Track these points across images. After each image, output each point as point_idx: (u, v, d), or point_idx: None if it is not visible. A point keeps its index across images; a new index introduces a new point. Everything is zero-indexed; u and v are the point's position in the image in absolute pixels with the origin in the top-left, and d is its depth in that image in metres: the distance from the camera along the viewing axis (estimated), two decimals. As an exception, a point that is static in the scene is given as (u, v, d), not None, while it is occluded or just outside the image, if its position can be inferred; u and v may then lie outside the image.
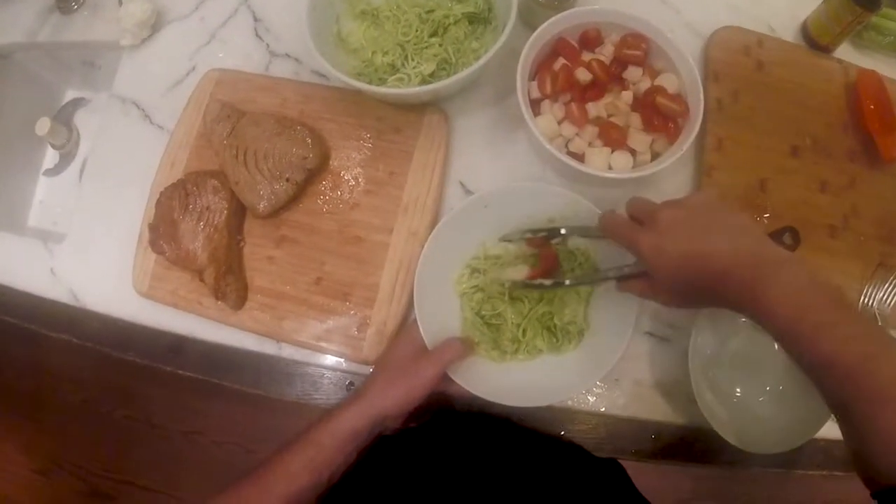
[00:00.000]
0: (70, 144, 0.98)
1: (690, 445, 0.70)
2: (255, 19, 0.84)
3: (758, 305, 0.47)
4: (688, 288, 0.52)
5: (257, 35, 0.83)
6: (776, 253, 0.49)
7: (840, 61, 0.82)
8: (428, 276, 0.65)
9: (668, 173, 0.74)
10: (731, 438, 0.63)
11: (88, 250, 0.80)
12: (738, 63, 0.80)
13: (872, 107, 0.77)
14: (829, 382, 0.44)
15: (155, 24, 0.85)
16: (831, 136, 0.78)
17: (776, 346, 0.67)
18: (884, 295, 0.72)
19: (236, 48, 0.83)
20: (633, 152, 0.70)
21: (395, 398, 0.60)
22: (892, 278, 0.73)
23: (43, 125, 0.93)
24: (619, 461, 0.81)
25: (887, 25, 0.82)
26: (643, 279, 0.57)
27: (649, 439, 0.71)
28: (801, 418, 0.65)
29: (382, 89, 0.67)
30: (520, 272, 0.67)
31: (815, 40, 0.81)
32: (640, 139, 0.69)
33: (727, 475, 1.55)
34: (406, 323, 0.70)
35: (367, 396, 0.60)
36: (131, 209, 0.78)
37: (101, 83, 0.95)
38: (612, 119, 0.70)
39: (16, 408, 1.72)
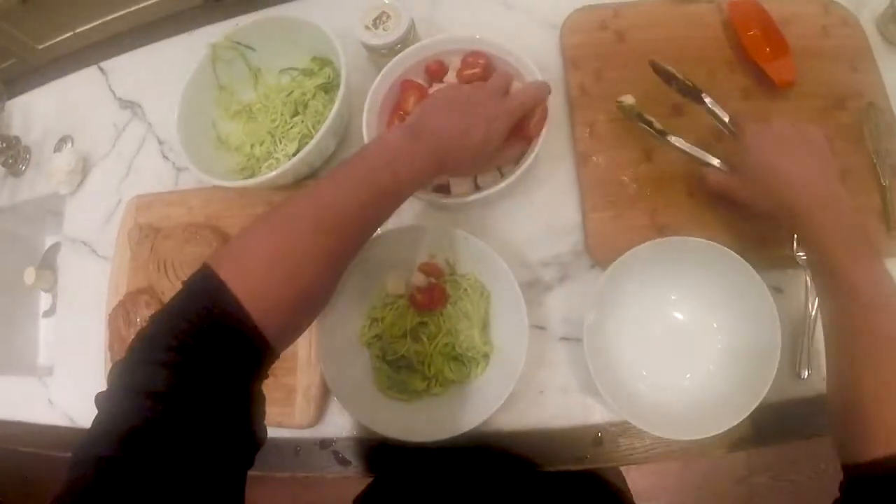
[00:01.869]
0: (58, 286, 1.11)
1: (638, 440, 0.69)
2: (160, 142, 0.93)
3: (813, 229, 0.56)
4: (766, 189, 0.61)
5: (164, 156, 0.92)
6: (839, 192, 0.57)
7: (710, 1, 0.79)
8: (332, 338, 0.69)
9: (547, 174, 0.76)
10: (652, 429, 0.62)
11: (74, 376, 0.90)
12: (595, 42, 0.79)
13: (756, 33, 0.75)
14: (852, 310, 0.51)
15: (84, 169, 0.96)
16: (720, 80, 0.75)
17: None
18: None
19: (149, 172, 0.92)
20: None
21: (465, 163, 0.61)
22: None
23: (29, 275, 1.06)
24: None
25: None
26: (727, 176, 0.66)
27: (591, 442, 0.70)
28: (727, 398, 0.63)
29: (250, 181, 0.73)
30: (398, 287, 0.71)
31: None
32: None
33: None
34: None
35: (440, 161, 0.57)
36: (98, 334, 0.87)
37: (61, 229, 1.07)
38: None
39: None
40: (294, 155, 0.77)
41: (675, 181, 0.73)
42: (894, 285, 0.52)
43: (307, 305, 0.49)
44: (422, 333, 0.71)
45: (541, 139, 0.68)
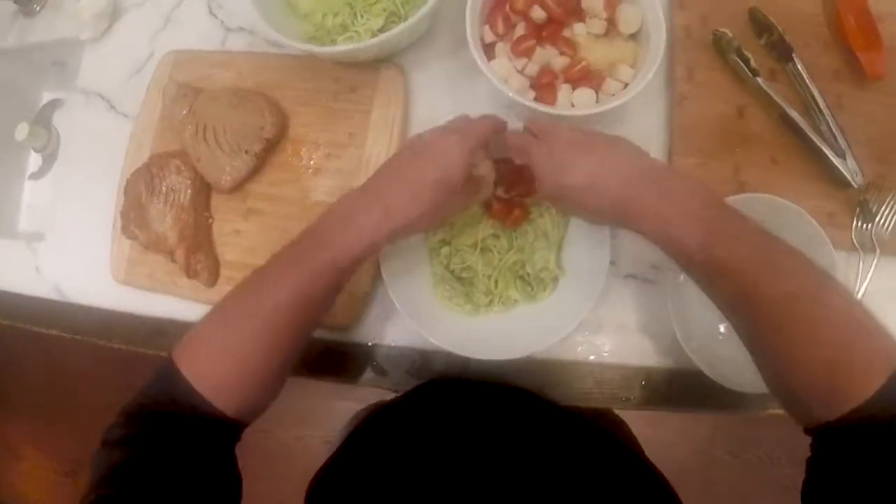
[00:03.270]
0: (51, 146, 0.98)
1: (684, 389, 0.67)
2: (208, -3, 0.83)
3: (647, 226, 0.51)
4: (578, 204, 0.55)
5: (211, 13, 0.82)
6: (659, 176, 0.52)
7: None
8: None
9: (638, 108, 0.71)
10: (720, 379, 0.60)
11: (69, 245, 0.81)
12: None
13: (853, 22, 0.72)
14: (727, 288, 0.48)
15: (112, 15, 0.85)
16: (812, 55, 0.73)
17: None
18: (880, 218, 0.68)
19: (192, 28, 0.82)
20: (598, 86, 0.67)
21: (419, 208, 0.53)
22: (888, 199, 0.68)
23: (22, 130, 0.94)
24: (615, 411, 0.79)
25: None
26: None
27: (639, 386, 0.68)
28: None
29: (333, 49, 0.66)
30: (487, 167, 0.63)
31: None
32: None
33: (744, 420, 1.51)
34: (380, 283, 0.68)
35: (385, 207, 0.52)
36: (104, 199, 0.79)
37: (71, 81, 0.96)
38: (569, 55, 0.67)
39: (39, 412, 1.77)
40: (380, 30, 0.70)
41: (762, 143, 0.72)
42: (760, 242, 0.48)
43: (261, 386, 0.51)
44: (493, 246, 0.66)
45: (655, 64, 0.63)
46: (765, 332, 0.46)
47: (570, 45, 0.67)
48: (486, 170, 0.60)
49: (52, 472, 1.72)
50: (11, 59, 0.97)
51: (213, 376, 0.48)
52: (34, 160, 1.02)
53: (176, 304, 0.74)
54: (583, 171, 0.53)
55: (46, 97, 1.03)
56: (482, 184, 0.60)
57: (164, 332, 0.76)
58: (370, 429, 0.68)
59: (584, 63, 0.67)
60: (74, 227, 0.81)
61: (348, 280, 0.54)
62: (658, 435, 1.43)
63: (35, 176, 1.01)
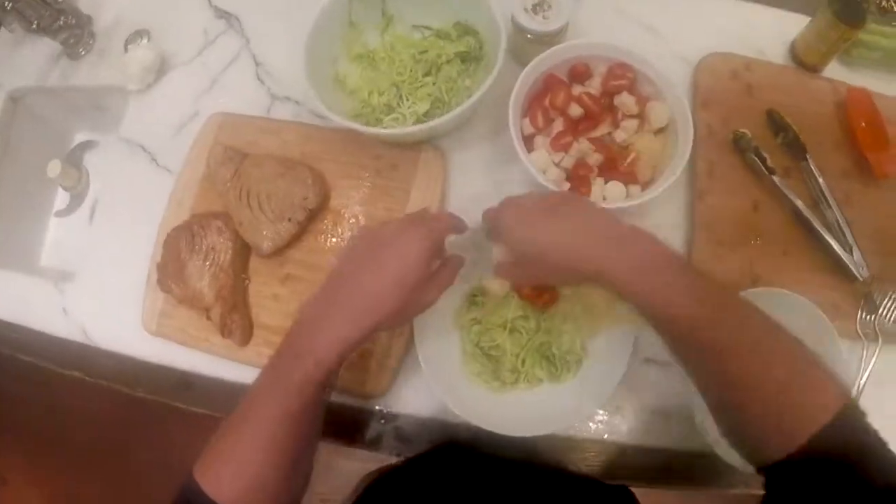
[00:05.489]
0: (80, 186, 1.01)
1: (699, 469, 0.70)
2: (257, 63, 0.87)
3: (619, 285, 0.52)
4: (548, 266, 0.57)
5: (258, 79, 0.86)
6: (624, 233, 0.54)
7: (830, 80, 0.83)
8: (428, 311, 0.67)
9: (661, 201, 0.75)
10: (734, 461, 0.63)
11: (99, 289, 0.83)
12: (726, 88, 0.81)
13: (864, 124, 0.78)
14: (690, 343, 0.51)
15: (160, 70, 0.88)
16: (824, 154, 0.78)
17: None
18: (883, 310, 0.73)
19: (238, 92, 0.85)
20: (628, 182, 0.71)
21: (381, 312, 0.53)
22: (891, 292, 0.73)
23: (54, 167, 0.97)
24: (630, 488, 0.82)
25: (875, 41, 0.82)
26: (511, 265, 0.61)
27: (656, 465, 0.71)
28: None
29: (379, 130, 0.70)
30: (503, 287, 0.68)
31: (804, 60, 0.82)
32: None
33: (756, 500, 1.53)
34: (409, 356, 0.71)
35: (350, 316, 0.53)
36: (139, 249, 0.80)
37: (109, 126, 0.98)
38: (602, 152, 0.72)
39: (30, 447, 1.75)
40: (424, 114, 0.74)
41: (775, 236, 0.76)
42: (718, 298, 0.51)
43: (283, 493, 0.53)
44: (521, 326, 0.69)
45: (683, 162, 0.68)
46: (722, 377, 0.49)
47: (604, 145, 0.72)
48: (501, 290, 0.66)
49: (35, 501, 1.69)
50: (51, 98, 1.00)
51: (227, 490, 0.50)
52: (61, 198, 1.05)
53: (205, 359, 0.76)
54: (551, 231, 0.55)
55: (79, 138, 1.06)
56: (443, 279, 0.59)
57: (191, 385, 0.77)
58: (380, 494, 0.69)
59: (616, 159, 0.72)
60: (106, 272, 0.83)
61: (330, 391, 0.57)
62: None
63: (61, 213, 1.03)
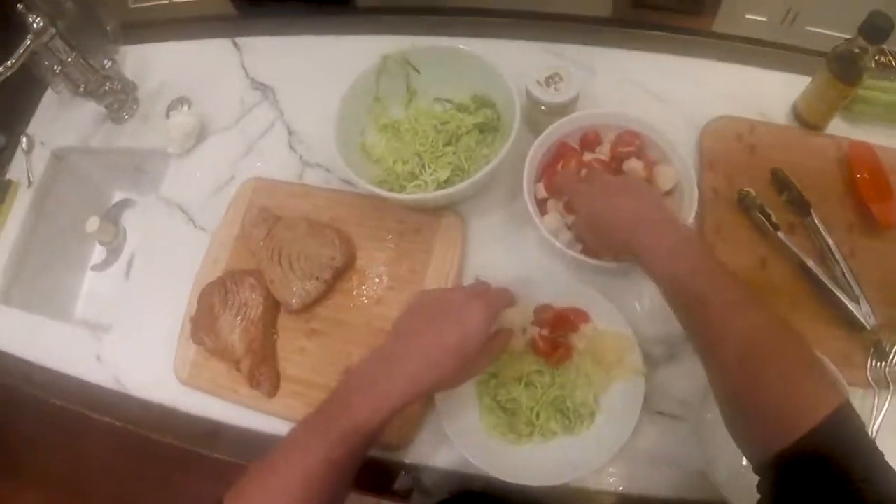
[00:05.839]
0: (117, 242, 1.07)
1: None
2: (290, 132, 0.94)
3: (644, 256, 0.61)
4: (604, 236, 0.68)
5: (291, 147, 0.92)
6: (663, 216, 0.64)
7: (832, 136, 0.85)
8: None
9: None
10: None
11: (133, 339, 0.87)
12: (731, 149, 0.85)
13: (866, 176, 0.81)
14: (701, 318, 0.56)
15: (199, 135, 0.95)
16: (828, 209, 0.81)
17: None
18: (893, 357, 0.74)
19: (272, 158, 0.92)
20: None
21: (439, 375, 0.56)
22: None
23: (93, 223, 1.03)
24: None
25: (875, 96, 0.85)
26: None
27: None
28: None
29: (403, 196, 0.75)
30: (518, 343, 0.73)
31: (806, 119, 0.85)
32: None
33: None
34: (430, 410, 0.74)
35: (408, 375, 0.56)
36: (173, 303, 0.85)
37: (148, 186, 1.05)
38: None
39: (52, 495, 1.76)
40: (445, 181, 0.80)
41: (783, 291, 0.78)
42: (732, 282, 0.57)
43: None
44: (536, 381, 0.73)
45: (689, 221, 0.73)
46: (730, 363, 0.52)
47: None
48: (520, 344, 0.71)
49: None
50: (93, 158, 1.07)
51: None
52: (98, 252, 1.11)
53: (233, 409, 0.79)
54: (611, 207, 0.66)
55: (118, 196, 1.13)
56: (496, 349, 0.65)
57: (219, 434, 0.80)
58: None
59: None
60: (140, 324, 0.87)
61: (374, 443, 0.58)
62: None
63: (97, 268, 1.09)
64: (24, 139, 1.04)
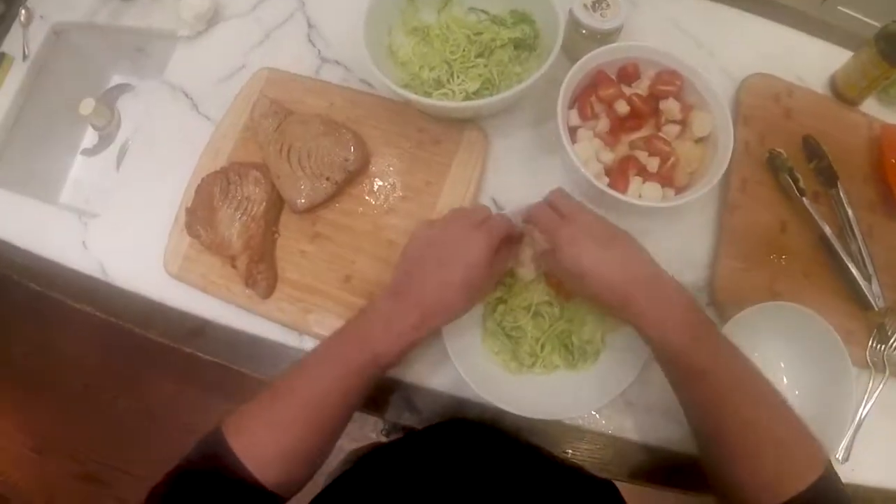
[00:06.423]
0: (111, 127, 1.01)
1: (698, 475, 0.71)
2: (309, 25, 0.87)
3: (642, 322, 0.57)
4: (584, 285, 0.60)
5: (310, 40, 0.86)
6: (658, 276, 0.59)
7: (866, 115, 0.84)
8: None
9: (694, 208, 0.77)
10: None
11: (122, 227, 0.82)
12: (767, 108, 0.83)
13: (894, 161, 0.80)
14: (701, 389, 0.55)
15: (211, 19, 0.88)
16: (853, 185, 0.80)
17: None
18: (894, 341, 0.74)
19: (288, 50, 0.86)
20: (664, 184, 0.73)
21: (451, 309, 0.60)
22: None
23: (87, 105, 0.97)
24: (625, 483, 0.82)
25: None
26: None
27: (656, 465, 0.71)
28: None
29: (429, 101, 0.70)
30: (528, 273, 0.69)
31: (843, 93, 0.84)
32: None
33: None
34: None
35: (422, 313, 0.58)
36: (170, 192, 0.80)
37: (150, 71, 0.98)
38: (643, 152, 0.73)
39: (19, 385, 1.73)
40: (474, 93, 0.75)
41: (798, 257, 0.78)
42: (732, 352, 0.56)
43: (303, 463, 0.56)
44: (545, 312, 0.70)
45: (720, 172, 0.69)
46: (727, 435, 0.54)
47: (655, 147, 0.73)
48: (530, 275, 0.69)
49: (20, 445, 1.67)
50: (95, 36, 0.99)
51: (259, 451, 0.53)
52: (90, 136, 1.04)
53: (223, 308, 0.76)
54: (597, 260, 0.58)
55: (116, 80, 1.06)
56: (497, 273, 0.66)
57: (204, 333, 0.77)
58: (364, 468, 0.69)
59: (657, 161, 0.73)
60: (132, 213, 0.82)
61: (388, 372, 0.61)
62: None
63: (87, 152, 1.03)
64: (23, 11, 0.96)
